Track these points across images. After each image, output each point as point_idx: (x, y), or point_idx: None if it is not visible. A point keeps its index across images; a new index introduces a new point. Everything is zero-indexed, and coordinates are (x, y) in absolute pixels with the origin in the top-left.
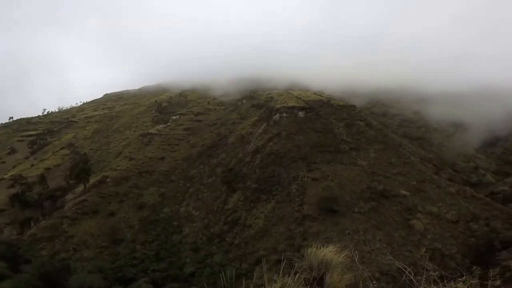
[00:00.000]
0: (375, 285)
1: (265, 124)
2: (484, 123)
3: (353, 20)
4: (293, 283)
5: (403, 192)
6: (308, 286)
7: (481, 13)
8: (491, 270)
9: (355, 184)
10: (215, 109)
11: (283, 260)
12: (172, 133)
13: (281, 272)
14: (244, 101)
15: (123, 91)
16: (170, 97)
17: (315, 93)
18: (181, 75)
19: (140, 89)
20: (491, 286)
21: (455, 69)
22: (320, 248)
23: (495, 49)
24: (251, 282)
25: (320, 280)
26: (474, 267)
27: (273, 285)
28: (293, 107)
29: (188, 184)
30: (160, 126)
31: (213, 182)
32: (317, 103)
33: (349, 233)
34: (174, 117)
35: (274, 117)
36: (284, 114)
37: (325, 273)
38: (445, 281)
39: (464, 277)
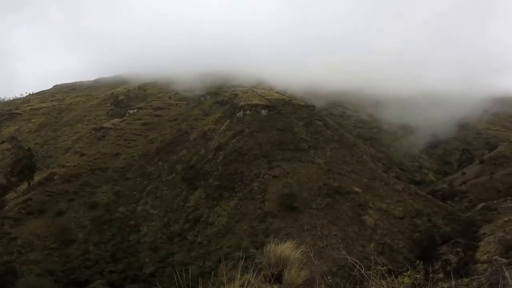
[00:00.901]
0: (330, 280)
1: (229, 121)
2: (429, 127)
3: (323, 20)
4: (253, 280)
5: (356, 189)
6: (267, 283)
7: (442, 22)
8: (434, 264)
9: (313, 181)
10: (177, 104)
11: (242, 257)
12: (128, 128)
13: (239, 269)
14: (208, 97)
15: (75, 82)
16: (128, 90)
17: (278, 92)
18: (142, 68)
19: (95, 81)
20: (434, 280)
21: (408, 75)
22: (278, 245)
23: (446, 58)
24: (216, 279)
25: (279, 276)
26: (418, 262)
27: (234, 283)
28: (256, 105)
29: (145, 182)
30: (116, 120)
31: (173, 180)
32: (279, 102)
33: (307, 229)
34: (131, 111)
35: (237, 114)
36: (248, 112)
37: (283, 270)
38: (393, 276)
39: (409, 271)
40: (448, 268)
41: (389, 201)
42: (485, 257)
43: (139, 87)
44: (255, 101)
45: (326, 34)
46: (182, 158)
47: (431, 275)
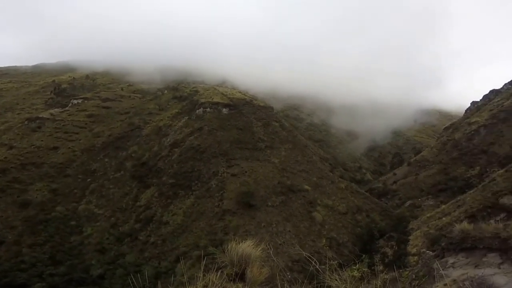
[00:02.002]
0: (289, 276)
1: (187, 117)
2: (370, 133)
3: (292, 32)
4: (216, 280)
5: (306, 187)
6: (232, 282)
7: (392, 41)
8: (374, 257)
9: (269, 179)
10: (130, 96)
11: (204, 257)
12: (70, 119)
13: (202, 269)
14: (166, 91)
15: (9, 66)
16: (73, 78)
17: (240, 92)
18: (94, 56)
19: (35, 66)
20: (376, 272)
21: (358, 87)
22: (239, 243)
23: (390, 73)
24: (175, 279)
25: (242, 275)
26: (364, 256)
27: (197, 283)
28: (217, 103)
29: (89, 179)
30: (55, 110)
31: (121, 177)
32: (240, 102)
33: (264, 226)
34: (75, 101)
35: (197, 111)
36: (208, 109)
37: (245, 268)
38: (344, 269)
39: (357, 265)
40: (386, 261)
41: (334, 198)
42: (414, 250)
43: (87, 76)
44: (217, 99)
45: (293, 44)
46: (133, 155)
47: (374, 268)
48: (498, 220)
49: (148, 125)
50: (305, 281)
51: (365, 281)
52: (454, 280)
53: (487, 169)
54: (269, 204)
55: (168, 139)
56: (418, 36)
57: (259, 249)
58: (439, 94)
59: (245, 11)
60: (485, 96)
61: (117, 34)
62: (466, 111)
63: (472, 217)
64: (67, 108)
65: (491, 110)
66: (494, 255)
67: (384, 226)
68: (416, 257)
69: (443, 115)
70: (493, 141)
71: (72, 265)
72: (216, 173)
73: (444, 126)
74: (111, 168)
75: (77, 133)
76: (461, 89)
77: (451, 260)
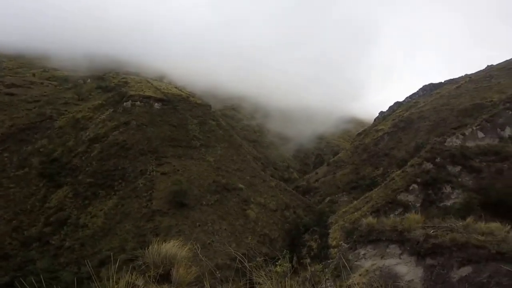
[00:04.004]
0: (219, 275)
1: (112, 110)
2: (298, 137)
3: (241, 33)
4: (138, 282)
5: (241, 185)
6: (156, 283)
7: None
8: (302, 250)
9: (203, 178)
10: (43, 83)
11: (115, 260)
12: None
13: (119, 272)
14: (89, 80)
15: None
16: None
17: (176, 88)
18: (5, 36)
19: None
20: (304, 264)
21: (293, 93)
22: (162, 243)
23: (324, 81)
24: (101, 284)
25: (168, 276)
26: (285, 252)
27: (116, 286)
28: (149, 97)
29: None
30: None
31: (26, 175)
32: (176, 97)
33: (199, 225)
34: None
35: (124, 104)
36: (138, 103)
37: (171, 269)
38: (270, 265)
39: (279, 261)
40: (312, 254)
41: (266, 196)
42: (334, 242)
43: None
44: (149, 93)
45: (239, 46)
46: (41, 150)
47: (303, 261)
48: (396, 214)
49: (62, 117)
50: (236, 279)
51: (288, 275)
52: (367, 270)
53: (388, 170)
54: (204, 203)
55: (87, 133)
56: (350, 50)
57: (185, 249)
58: (358, 104)
59: (195, 9)
60: (390, 107)
61: (41, 15)
62: (375, 119)
63: (377, 212)
64: None
65: (393, 120)
66: (395, 246)
67: (308, 221)
68: (336, 249)
69: (358, 123)
70: (394, 146)
71: None
72: (144, 171)
73: (358, 132)
74: (12, 164)
75: None
76: (375, 100)
77: (362, 251)
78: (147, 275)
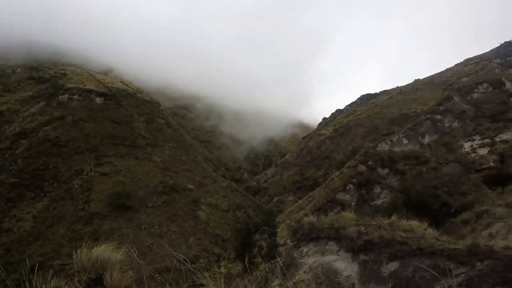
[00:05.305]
0: (159, 278)
1: (44, 103)
2: (251, 139)
3: (203, 33)
4: (65, 287)
5: (190, 186)
6: None
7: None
8: (253, 250)
9: (149, 179)
10: None
11: (48, 266)
12: None
13: (45, 277)
14: (19, 69)
15: None
16: None
17: (122, 82)
18: None
19: None
20: (255, 263)
21: (249, 97)
22: (93, 247)
23: (279, 86)
24: None
25: (101, 280)
26: (228, 252)
27: None
28: (90, 91)
29: None
30: None
31: None
32: (121, 92)
33: (145, 228)
34: None
35: (60, 97)
36: (76, 96)
37: (103, 273)
38: (215, 267)
39: (224, 262)
40: (262, 252)
41: (217, 197)
42: (282, 241)
43: None
44: (90, 86)
45: (198, 47)
46: None
47: (254, 258)
48: (335, 212)
49: None
50: (180, 281)
51: (234, 276)
52: (310, 267)
53: (329, 171)
54: (150, 205)
55: (12, 128)
56: (305, 58)
57: (120, 252)
58: (306, 110)
59: (152, 1)
60: (332, 114)
61: None
62: (318, 125)
63: (318, 211)
64: None
65: (334, 126)
66: (333, 243)
67: (258, 221)
68: (283, 248)
69: (304, 127)
70: (333, 149)
71: None
72: (80, 171)
73: (303, 136)
74: None
75: None
76: (321, 107)
77: (305, 249)
78: (76, 280)
